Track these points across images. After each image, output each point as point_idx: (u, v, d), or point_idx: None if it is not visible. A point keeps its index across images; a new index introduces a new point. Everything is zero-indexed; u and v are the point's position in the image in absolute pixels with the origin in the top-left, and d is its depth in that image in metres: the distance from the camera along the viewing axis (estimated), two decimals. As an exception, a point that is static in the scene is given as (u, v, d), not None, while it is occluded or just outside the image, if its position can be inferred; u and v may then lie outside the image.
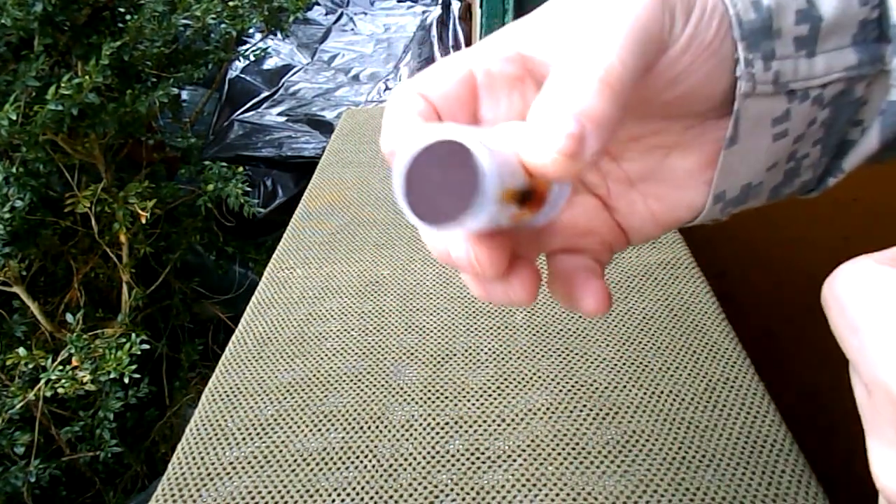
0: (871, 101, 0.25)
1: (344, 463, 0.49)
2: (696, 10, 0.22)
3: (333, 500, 0.46)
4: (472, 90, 0.23)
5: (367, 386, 0.56)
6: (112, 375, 1.11)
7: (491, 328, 0.61)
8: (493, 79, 0.23)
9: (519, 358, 0.57)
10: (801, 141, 0.25)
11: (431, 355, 0.59)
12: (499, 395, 0.54)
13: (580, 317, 0.61)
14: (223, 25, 1.57)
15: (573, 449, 0.49)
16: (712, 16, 0.22)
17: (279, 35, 1.78)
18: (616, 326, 0.61)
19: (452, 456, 0.49)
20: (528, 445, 0.49)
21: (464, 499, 0.46)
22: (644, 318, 0.61)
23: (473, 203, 0.19)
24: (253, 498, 0.47)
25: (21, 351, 1.13)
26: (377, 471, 0.48)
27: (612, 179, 0.27)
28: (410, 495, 0.46)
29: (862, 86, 0.24)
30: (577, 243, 0.26)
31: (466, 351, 0.59)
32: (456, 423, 0.52)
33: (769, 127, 0.24)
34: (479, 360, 0.57)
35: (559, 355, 0.57)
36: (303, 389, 0.56)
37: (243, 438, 0.51)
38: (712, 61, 0.22)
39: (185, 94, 1.96)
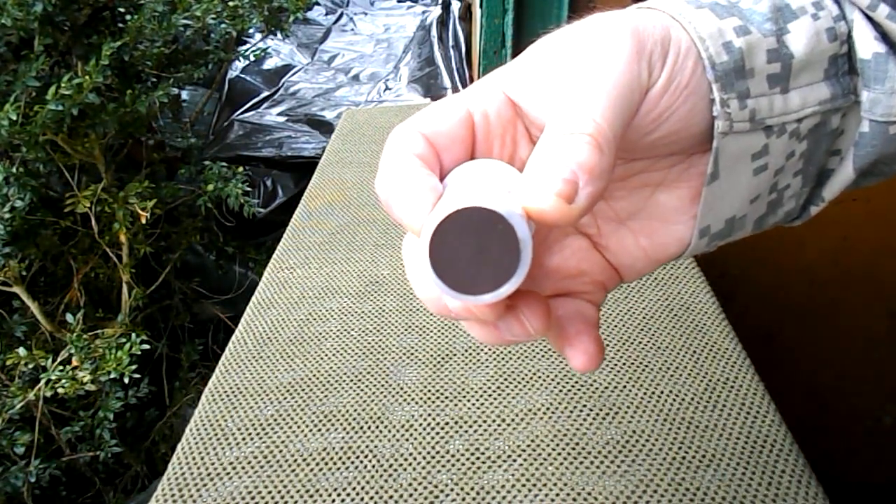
0: (846, 130, 0.26)
1: (344, 463, 0.49)
2: (670, 55, 0.23)
3: (333, 500, 0.46)
4: (470, 130, 0.24)
5: (367, 386, 0.56)
6: (112, 375, 1.11)
7: (491, 328, 0.61)
8: (488, 121, 0.24)
9: (519, 358, 0.57)
10: (781, 173, 0.26)
11: (431, 355, 0.59)
12: (499, 395, 0.54)
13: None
14: (223, 25, 1.57)
15: (573, 449, 0.49)
16: (686, 57, 0.23)
17: (279, 35, 1.78)
18: (616, 326, 0.61)
19: (452, 456, 0.49)
20: (528, 445, 0.49)
21: (464, 499, 0.46)
22: (644, 318, 0.61)
23: (515, 273, 0.19)
24: (253, 498, 0.47)
25: (21, 351, 1.13)
26: (377, 471, 0.48)
27: (601, 218, 0.27)
28: (410, 495, 0.46)
29: (837, 117, 0.25)
30: (568, 286, 0.27)
31: (466, 351, 0.59)
32: (456, 423, 0.52)
33: (749, 162, 0.24)
34: (479, 360, 0.57)
35: (559, 355, 0.57)
36: (303, 389, 0.56)
37: (243, 438, 0.51)
38: (691, 100, 0.23)
39: (185, 94, 1.96)
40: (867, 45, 0.24)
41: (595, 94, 0.21)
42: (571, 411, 0.52)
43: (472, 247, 0.19)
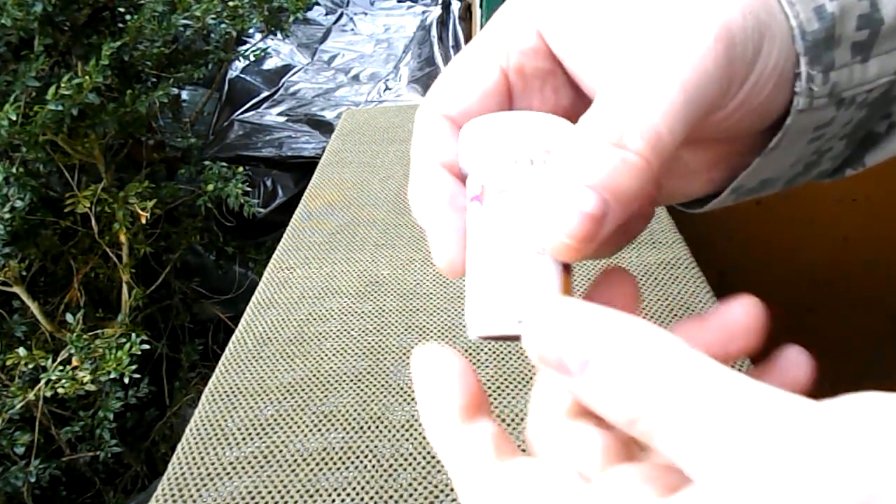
0: None
1: (344, 463, 0.49)
2: (753, 74, 0.20)
3: (333, 500, 0.46)
4: (506, 95, 0.21)
5: (367, 386, 0.56)
6: (112, 375, 1.11)
7: (491, 328, 0.61)
8: (525, 78, 0.21)
9: (519, 358, 0.57)
10: (831, 139, 0.24)
11: (431, 355, 0.59)
12: (499, 395, 0.54)
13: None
14: (223, 25, 1.57)
15: (573, 449, 0.49)
16: (769, 78, 0.20)
17: (279, 35, 1.78)
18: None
19: (452, 456, 0.49)
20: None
21: (464, 499, 0.46)
22: (644, 317, 0.61)
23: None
24: (253, 498, 0.47)
25: (21, 351, 1.13)
26: (377, 471, 0.48)
27: None
28: (410, 495, 0.46)
29: None
30: None
31: (466, 351, 0.59)
32: (456, 423, 0.52)
33: (810, 133, 0.22)
34: (479, 360, 0.57)
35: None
36: (303, 389, 0.56)
37: (243, 438, 0.51)
38: (750, 118, 0.21)
39: (185, 94, 1.96)
40: None
41: (665, 87, 0.18)
42: (571, 411, 0.52)
43: None
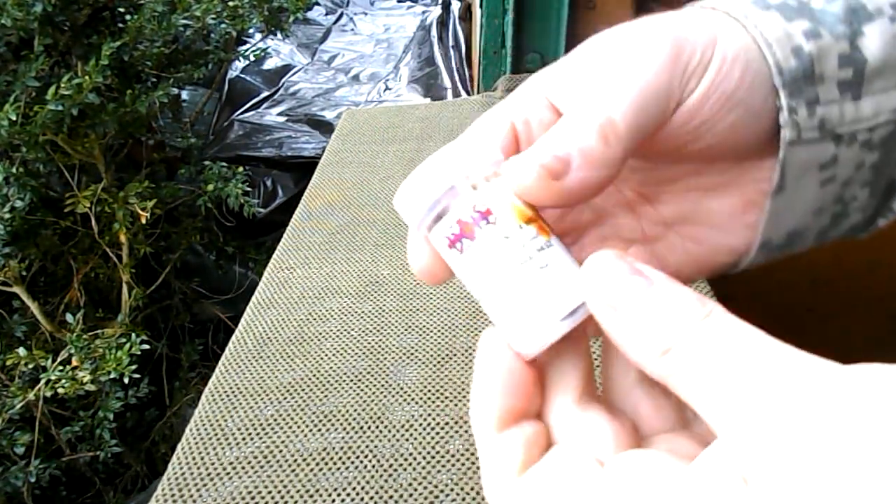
0: None
1: (344, 463, 0.49)
2: (713, 64, 0.22)
3: (333, 500, 0.46)
4: (514, 143, 0.23)
5: (367, 386, 0.56)
6: (112, 375, 1.11)
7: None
8: (530, 129, 0.23)
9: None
10: (849, 185, 0.24)
11: (431, 355, 0.59)
12: (499, 395, 0.54)
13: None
14: (223, 25, 1.57)
15: (573, 449, 0.49)
16: (734, 64, 0.22)
17: (279, 35, 1.78)
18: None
19: (452, 456, 0.49)
20: (528, 445, 0.49)
21: (464, 499, 0.46)
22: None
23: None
24: (253, 498, 0.47)
25: (21, 351, 1.13)
26: (377, 471, 0.48)
27: (647, 222, 0.26)
28: (410, 495, 0.46)
29: None
30: None
31: (466, 351, 0.59)
32: (456, 423, 0.52)
33: (816, 172, 0.23)
34: (479, 360, 0.57)
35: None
36: (303, 389, 0.56)
37: (243, 438, 0.51)
38: (737, 111, 0.22)
39: (185, 94, 1.96)
40: None
41: (618, 92, 0.21)
42: (571, 411, 0.52)
43: None
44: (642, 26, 0.22)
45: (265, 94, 2.05)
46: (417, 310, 0.64)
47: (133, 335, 1.16)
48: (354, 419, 0.52)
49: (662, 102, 0.21)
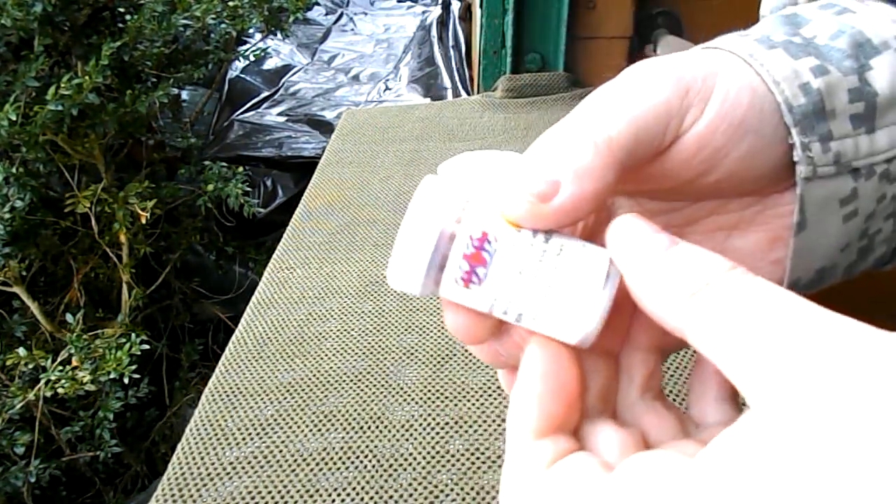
0: None
1: (344, 463, 0.49)
2: (717, 93, 0.21)
3: (333, 500, 0.46)
4: None
5: (367, 386, 0.56)
6: (112, 375, 1.11)
7: (491, 328, 0.61)
8: None
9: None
10: (872, 218, 0.24)
11: (431, 355, 0.59)
12: (499, 395, 0.54)
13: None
14: (223, 25, 1.57)
15: (573, 449, 0.49)
16: (739, 94, 0.21)
17: (279, 35, 1.78)
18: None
19: (452, 456, 0.49)
20: (528, 445, 0.49)
21: (464, 499, 0.46)
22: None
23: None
24: (253, 498, 0.47)
25: (21, 351, 1.13)
26: (377, 471, 0.48)
27: None
28: (410, 495, 0.46)
29: None
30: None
31: (466, 351, 0.59)
32: (456, 423, 0.52)
33: (838, 208, 0.23)
34: (479, 360, 0.57)
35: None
36: (303, 389, 0.56)
37: (243, 438, 0.51)
38: (749, 139, 0.22)
39: (185, 94, 1.96)
40: None
41: (614, 110, 0.21)
42: (571, 411, 0.52)
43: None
44: (645, 66, 0.22)
45: (265, 94, 2.05)
46: (417, 310, 0.64)
47: (133, 335, 1.16)
48: (354, 419, 0.52)
49: (662, 121, 0.21)
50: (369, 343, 0.60)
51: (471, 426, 0.51)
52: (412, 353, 0.59)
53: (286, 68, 2.21)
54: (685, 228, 0.25)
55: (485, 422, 0.52)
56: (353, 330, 0.62)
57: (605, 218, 0.22)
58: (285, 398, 0.55)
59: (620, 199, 0.25)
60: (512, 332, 0.23)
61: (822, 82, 0.22)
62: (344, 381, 0.56)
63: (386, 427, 0.52)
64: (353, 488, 0.47)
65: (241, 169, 1.55)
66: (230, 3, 1.56)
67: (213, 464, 0.49)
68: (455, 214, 0.21)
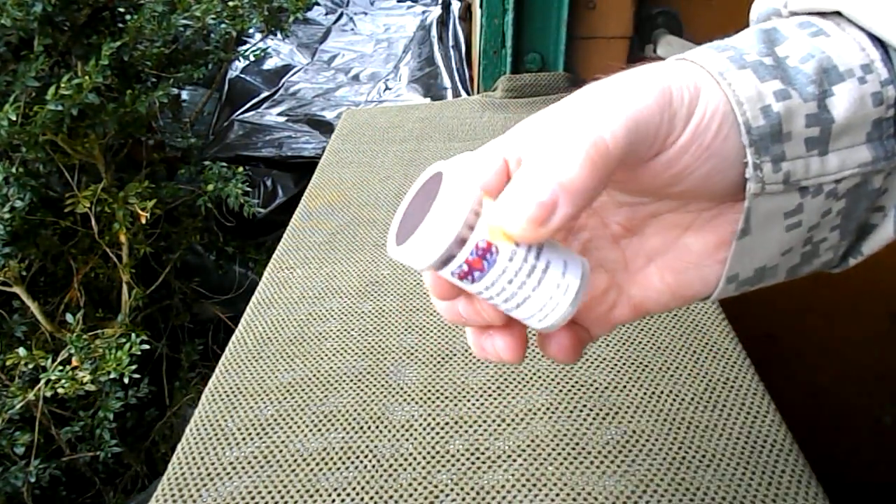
0: (890, 189, 0.25)
1: (344, 463, 0.49)
2: (696, 116, 0.23)
3: (333, 500, 0.46)
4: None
5: (367, 386, 0.56)
6: (112, 375, 1.11)
7: (491, 328, 0.61)
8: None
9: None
10: (816, 228, 0.25)
11: (431, 355, 0.59)
12: (499, 395, 0.54)
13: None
14: (223, 25, 1.57)
15: (573, 449, 0.49)
16: (712, 119, 0.23)
17: (279, 35, 1.78)
18: (616, 326, 0.60)
19: (452, 456, 0.49)
20: (528, 445, 0.49)
21: (464, 499, 0.46)
22: (644, 317, 0.61)
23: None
24: (253, 498, 0.47)
25: (21, 351, 1.13)
26: (377, 471, 0.48)
27: (630, 254, 0.29)
28: (410, 495, 0.46)
29: (880, 177, 0.24)
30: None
31: (466, 351, 0.59)
32: (456, 423, 0.52)
33: (781, 220, 0.24)
34: (479, 360, 0.57)
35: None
36: (303, 389, 0.56)
37: (243, 438, 0.51)
38: (711, 162, 0.23)
39: (185, 94, 1.96)
40: None
41: (611, 115, 0.22)
42: (571, 411, 0.52)
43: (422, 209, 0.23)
44: (632, 74, 0.24)
45: (265, 94, 2.05)
46: (417, 310, 0.64)
47: (133, 335, 1.16)
48: (354, 419, 0.52)
49: (651, 134, 0.22)
50: (369, 343, 0.60)
51: (471, 426, 0.51)
52: (412, 353, 0.59)
53: (286, 68, 2.21)
54: (646, 221, 0.28)
55: (485, 422, 0.52)
56: (353, 330, 0.62)
57: None
58: (285, 398, 0.55)
59: None
60: (475, 298, 0.25)
61: (782, 106, 0.23)
62: (344, 381, 0.56)
63: (386, 427, 0.52)
64: (353, 488, 0.47)
65: (241, 169, 1.55)
66: (230, 3, 1.56)
67: (213, 464, 0.49)
68: (470, 221, 0.23)
